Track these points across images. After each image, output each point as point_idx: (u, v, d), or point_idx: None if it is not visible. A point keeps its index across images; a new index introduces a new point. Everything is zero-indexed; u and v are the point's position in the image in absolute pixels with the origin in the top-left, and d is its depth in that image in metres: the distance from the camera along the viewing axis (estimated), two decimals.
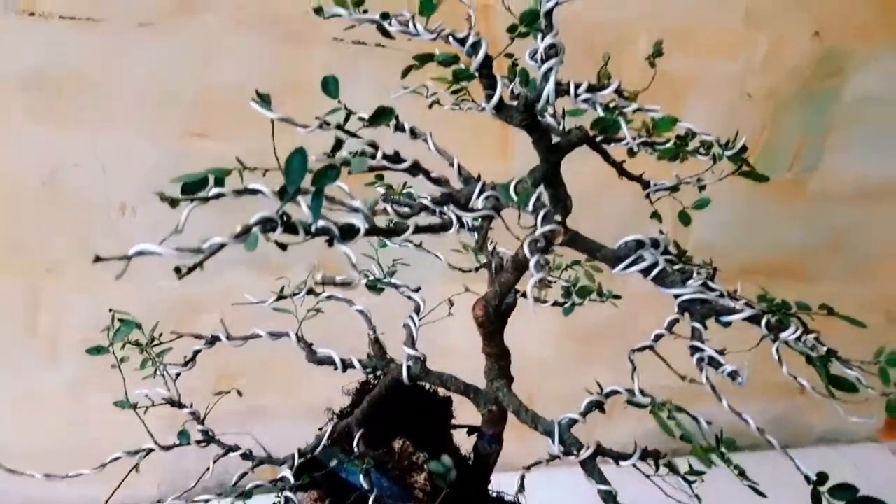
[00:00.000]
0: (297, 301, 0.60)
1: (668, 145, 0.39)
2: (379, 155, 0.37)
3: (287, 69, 1.02)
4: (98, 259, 0.27)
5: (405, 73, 0.53)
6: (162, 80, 0.99)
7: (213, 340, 0.56)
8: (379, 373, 0.56)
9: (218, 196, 0.32)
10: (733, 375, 0.39)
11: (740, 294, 0.52)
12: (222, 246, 0.27)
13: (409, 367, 0.53)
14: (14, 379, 1.11)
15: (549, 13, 0.42)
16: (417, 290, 0.60)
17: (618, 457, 0.49)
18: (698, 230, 1.34)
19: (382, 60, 0.95)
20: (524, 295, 0.59)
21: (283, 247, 0.31)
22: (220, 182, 0.34)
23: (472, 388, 0.54)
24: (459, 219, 0.36)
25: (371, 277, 0.62)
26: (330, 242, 0.30)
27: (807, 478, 0.40)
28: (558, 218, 0.36)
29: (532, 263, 0.32)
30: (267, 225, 0.29)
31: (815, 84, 1.27)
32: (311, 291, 0.60)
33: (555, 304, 0.60)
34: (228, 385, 1.13)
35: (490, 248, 0.56)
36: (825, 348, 0.44)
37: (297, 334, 0.55)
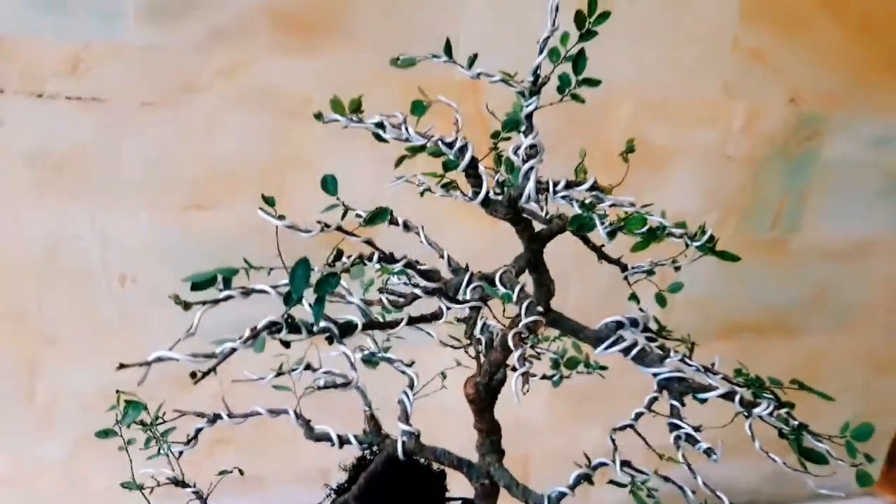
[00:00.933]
0: (295, 376, 0.62)
1: (639, 240, 0.42)
2: (375, 257, 0.40)
3: (285, 143, 1.07)
4: (122, 366, 0.30)
5: (398, 162, 0.57)
6: (163, 156, 1.02)
7: (214, 419, 0.58)
8: (375, 448, 0.58)
9: (227, 298, 0.35)
10: (709, 452, 0.42)
11: (718, 367, 0.55)
12: (233, 350, 0.30)
13: (403, 443, 0.55)
14: (11, 449, 1.12)
15: (529, 116, 0.46)
16: (411, 364, 0.62)
17: None
18: (685, 286, 1.37)
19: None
20: (514, 369, 0.62)
21: (286, 344, 0.34)
22: (227, 282, 0.37)
23: (465, 462, 0.56)
24: (450, 309, 0.39)
25: (366, 352, 0.64)
26: (330, 340, 0.32)
27: None
28: (540, 308, 0.39)
29: (516, 357, 0.35)
30: (273, 327, 0.31)
31: (793, 147, 1.32)
32: (308, 367, 0.62)
33: (543, 377, 0.62)
34: (224, 449, 1.15)
35: (480, 319, 0.59)
36: (797, 423, 0.47)
37: (295, 412, 0.57)
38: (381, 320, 0.38)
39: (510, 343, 0.36)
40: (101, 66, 0.97)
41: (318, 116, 0.47)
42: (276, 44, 1.02)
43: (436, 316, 0.39)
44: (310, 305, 0.34)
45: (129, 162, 1.02)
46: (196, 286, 0.37)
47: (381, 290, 0.40)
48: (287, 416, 0.57)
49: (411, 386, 0.60)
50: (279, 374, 0.62)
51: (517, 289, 0.40)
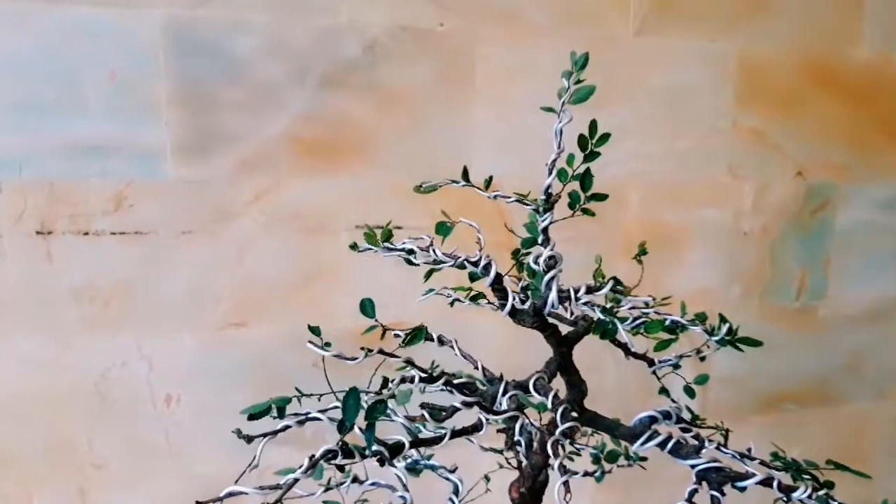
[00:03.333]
0: (343, 490, 0.64)
1: (659, 342, 0.45)
2: (416, 378, 0.43)
3: (314, 256, 1.12)
4: None
5: (427, 276, 0.61)
6: (201, 280, 1.08)
7: None
8: None
9: (285, 428, 0.38)
10: None
11: (755, 452, 0.56)
12: (296, 480, 0.32)
13: None
14: None
15: (545, 230, 0.50)
16: (454, 470, 0.64)
17: None
18: (718, 364, 1.38)
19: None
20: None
21: (341, 469, 0.36)
22: (280, 410, 0.40)
23: None
24: (489, 420, 0.42)
25: (410, 460, 0.66)
26: (381, 462, 0.35)
27: None
28: (575, 413, 0.41)
29: (556, 465, 0.38)
30: (329, 454, 0.34)
31: (806, 218, 1.35)
32: (355, 479, 0.64)
33: (585, 474, 0.63)
34: None
35: (518, 424, 0.61)
36: (836, 503, 0.48)
37: None
38: (427, 436, 0.41)
39: (549, 451, 0.38)
40: (143, 201, 1.04)
41: (354, 247, 0.51)
42: (299, 167, 1.09)
43: (476, 428, 0.42)
44: (360, 430, 0.37)
45: (171, 287, 1.07)
46: (253, 416, 0.41)
47: (422, 406, 0.43)
48: None
49: (456, 492, 0.61)
50: (328, 489, 0.64)
51: (551, 395, 0.42)
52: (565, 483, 0.36)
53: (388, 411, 0.42)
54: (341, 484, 0.64)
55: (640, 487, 1.30)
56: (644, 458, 0.67)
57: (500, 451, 0.64)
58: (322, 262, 1.13)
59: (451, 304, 0.61)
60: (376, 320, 0.48)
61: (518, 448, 0.47)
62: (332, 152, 1.10)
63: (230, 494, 0.34)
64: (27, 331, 1.05)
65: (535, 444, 0.53)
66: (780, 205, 1.33)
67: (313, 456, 0.34)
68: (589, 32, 1.18)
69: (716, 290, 1.33)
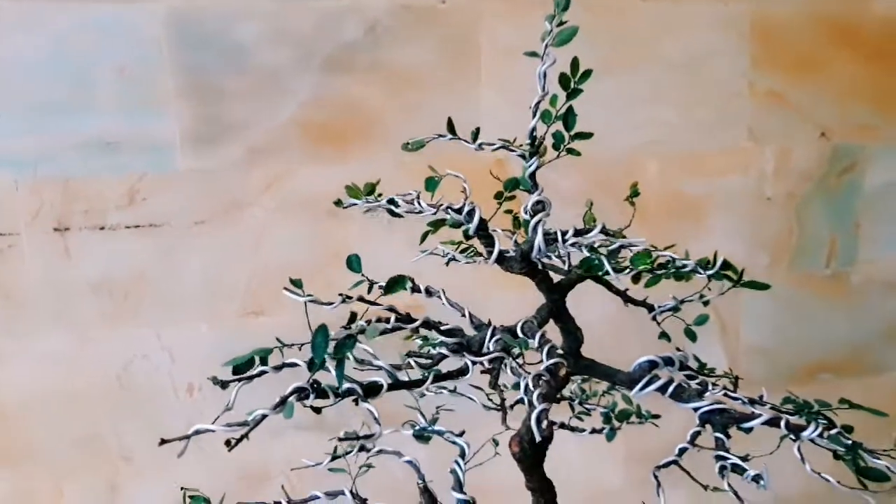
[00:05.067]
0: (351, 459, 0.63)
1: (650, 277, 0.43)
2: (392, 318, 0.42)
3: (327, 243, 1.12)
4: (163, 441, 0.32)
5: (423, 238, 0.60)
6: (217, 269, 1.09)
7: None
8: None
9: (260, 374, 0.37)
10: (756, 479, 0.41)
11: (766, 399, 0.54)
12: (264, 416, 0.32)
13: None
14: None
15: (532, 175, 0.49)
16: (461, 434, 0.63)
17: None
18: (748, 336, 1.34)
19: (411, 223, 1.04)
20: (562, 426, 0.62)
21: (317, 410, 0.36)
22: (264, 361, 0.40)
23: None
24: (475, 364, 0.41)
25: (417, 427, 0.65)
26: (356, 401, 0.34)
27: None
28: (561, 351, 0.40)
29: (535, 396, 0.36)
30: (301, 393, 0.34)
31: (832, 181, 1.31)
32: (362, 448, 0.63)
33: (593, 431, 0.62)
34: None
35: (523, 384, 0.59)
36: (850, 441, 0.45)
37: (351, 492, 0.58)
38: (407, 380, 0.40)
39: (529, 384, 0.37)
40: (155, 194, 1.06)
41: (338, 203, 0.50)
42: (308, 152, 1.09)
43: (462, 372, 0.41)
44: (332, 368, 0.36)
45: (187, 278, 1.08)
46: (237, 369, 0.40)
47: (408, 355, 0.42)
48: (344, 496, 0.58)
49: (462, 455, 0.60)
50: (334, 457, 0.63)
51: (538, 335, 0.41)
52: (542, 412, 0.35)
53: (370, 357, 0.41)
54: (348, 452, 0.63)
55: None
56: (657, 416, 0.65)
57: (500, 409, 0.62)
58: (334, 248, 1.13)
59: (447, 263, 0.60)
60: (363, 275, 0.47)
61: (502, 388, 0.46)
62: (341, 136, 1.10)
63: (197, 432, 0.33)
64: (50, 327, 1.07)
65: (533, 397, 0.51)
66: (805, 168, 1.29)
67: (284, 395, 0.34)
68: (596, 1, 1.16)
69: (741, 260, 1.28)
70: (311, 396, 0.34)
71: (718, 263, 0.45)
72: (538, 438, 0.33)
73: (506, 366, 0.45)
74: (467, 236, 0.54)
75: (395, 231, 1.10)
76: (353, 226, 1.12)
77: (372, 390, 0.35)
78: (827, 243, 1.33)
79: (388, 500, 0.60)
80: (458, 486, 0.57)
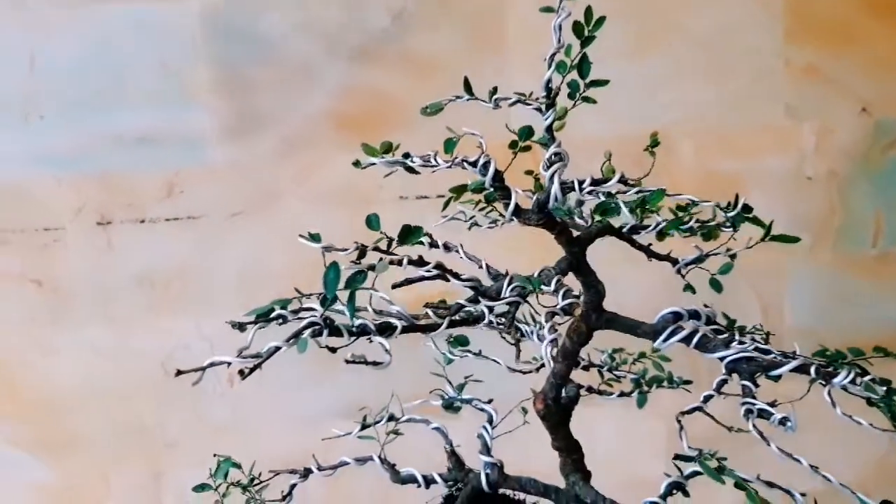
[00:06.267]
0: (381, 428, 0.64)
1: (670, 221, 0.42)
2: (405, 261, 0.42)
3: (362, 231, 1.13)
4: (179, 372, 0.33)
5: (445, 205, 0.60)
6: (254, 258, 1.11)
7: (306, 473, 0.60)
8: (460, 485, 0.58)
9: (279, 317, 0.38)
10: (783, 422, 0.40)
11: (799, 353, 0.52)
12: (278, 349, 0.32)
13: (487, 475, 0.55)
14: None
15: (549, 127, 0.49)
16: (489, 402, 0.63)
17: None
18: (794, 317, 1.30)
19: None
20: (589, 390, 0.61)
21: (332, 350, 0.36)
22: (283, 309, 0.41)
23: (552, 489, 0.55)
24: (491, 310, 0.41)
25: (446, 398, 0.65)
26: (370, 339, 0.35)
27: None
28: (576, 293, 0.40)
29: (546, 328, 0.36)
30: (315, 329, 0.34)
31: (876, 158, 1.26)
32: (391, 418, 0.64)
33: (622, 394, 0.61)
34: None
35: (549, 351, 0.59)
36: (884, 388, 0.44)
37: (380, 457, 0.59)
38: (422, 323, 0.40)
39: (543, 320, 0.37)
40: (193, 187, 1.08)
41: (357, 164, 0.51)
42: (339, 142, 1.10)
43: (478, 319, 0.41)
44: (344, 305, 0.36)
45: (225, 267, 1.11)
46: (259, 317, 0.41)
47: (426, 306, 0.42)
48: (373, 462, 0.59)
49: (490, 421, 0.60)
50: (364, 426, 0.64)
51: (554, 280, 0.41)
52: (553, 341, 0.34)
53: (385, 302, 0.41)
54: (378, 422, 0.64)
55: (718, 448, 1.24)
56: (689, 382, 0.64)
57: (528, 372, 0.62)
58: (370, 236, 1.14)
59: (469, 228, 0.60)
60: (382, 232, 0.47)
61: (519, 327, 0.46)
62: (371, 124, 1.11)
63: (212, 364, 0.34)
64: (95, 320, 1.10)
65: (556, 354, 0.51)
66: (846, 145, 1.25)
67: (298, 330, 0.34)
68: None
69: None
70: (325, 333, 0.35)
71: (739, 205, 0.44)
72: (548, 364, 0.33)
73: (524, 333, 0.45)
74: (489, 200, 0.54)
75: (427, 220, 1.10)
76: (387, 213, 1.13)
77: (385, 329, 0.35)
78: (872, 222, 1.29)
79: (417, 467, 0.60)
80: (486, 450, 0.57)
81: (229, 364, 0.33)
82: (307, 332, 0.34)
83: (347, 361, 0.36)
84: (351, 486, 1.15)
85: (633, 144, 1.18)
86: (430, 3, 1.10)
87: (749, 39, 1.18)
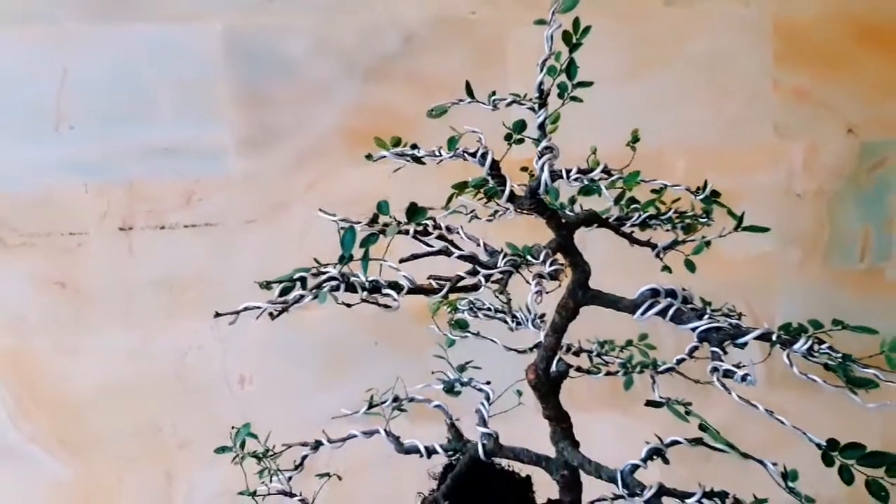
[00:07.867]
0: (386, 408, 0.69)
1: (646, 202, 0.48)
2: (411, 230, 0.48)
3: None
4: (218, 314, 0.38)
5: (449, 200, 0.66)
6: (267, 262, 1.17)
7: (316, 445, 0.65)
8: (459, 455, 0.63)
9: (301, 279, 0.43)
10: (744, 377, 0.45)
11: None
12: (302, 297, 0.38)
13: (483, 444, 0.60)
14: None
15: (541, 125, 0.55)
16: (488, 383, 0.68)
17: (682, 495, 0.53)
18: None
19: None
20: (578, 369, 0.66)
21: (348, 305, 0.42)
22: (303, 280, 0.46)
23: (543, 458, 0.60)
24: (488, 278, 0.46)
25: (446, 381, 0.70)
26: (380, 291, 0.40)
27: (818, 445, 0.44)
28: (561, 259, 0.45)
29: (533, 284, 0.41)
30: (333, 283, 0.40)
31: (862, 177, 1.32)
32: (395, 399, 0.69)
33: (608, 373, 0.66)
34: None
35: (539, 321, 0.64)
36: (840, 354, 0.49)
37: (385, 430, 0.64)
38: (425, 286, 0.46)
39: (530, 281, 0.42)
40: (210, 195, 1.15)
41: (369, 157, 0.57)
42: (350, 156, 1.17)
43: (475, 287, 0.46)
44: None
45: (239, 271, 1.16)
46: (284, 290, 0.47)
47: (429, 278, 0.48)
48: (379, 435, 0.64)
49: (487, 398, 0.65)
50: (371, 406, 0.69)
51: (542, 253, 0.46)
52: (538, 292, 0.40)
53: (390, 267, 0.47)
54: (384, 402, 0.69)
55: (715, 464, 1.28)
56: (673, 369, 0.68)
57: (523, 352, 0.67)
58: (378, 243, 1.20)
59: (470, 220, 0.66)
60: (392, 216, 0.53)
61: (508, 295, 0.51)
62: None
63: (246, 308, 0.39)
64: (115, 322, 1.16)
65: (545, 328, 0.56)
66: (834, 164, 1.31)
67: (319, 281, 0.40)
68: (619, 9, 1.22)
69: (773, 255, 1.31)
70: (342, 288, 0.40)
71: (708, 189, 0.50)
72: (536, 306, 0.38)
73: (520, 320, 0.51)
74: (489, 195, 0.60)
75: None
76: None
77: (395, 287, 0.41)
78: (860, 238, 1.34)
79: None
80: (483, 422, 0.62)
81: (262, 309, 0.39)
82: (327, 287, 0.40)
83: (363, 300, 0.41)
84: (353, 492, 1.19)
85: (632, 163, 1.24)
86: (438, 29, 1.17)
87: (741, 64, 1.25)
